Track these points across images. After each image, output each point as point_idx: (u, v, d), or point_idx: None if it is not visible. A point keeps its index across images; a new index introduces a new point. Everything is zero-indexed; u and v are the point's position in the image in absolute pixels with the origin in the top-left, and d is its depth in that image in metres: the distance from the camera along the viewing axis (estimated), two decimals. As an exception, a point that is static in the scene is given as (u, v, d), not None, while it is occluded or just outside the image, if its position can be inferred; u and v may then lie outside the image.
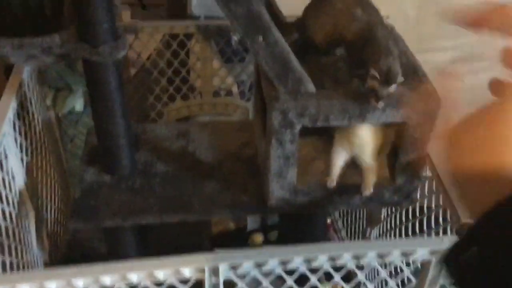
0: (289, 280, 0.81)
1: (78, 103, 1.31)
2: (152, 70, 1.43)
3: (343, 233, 1.51)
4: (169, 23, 1.34)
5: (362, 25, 0.87)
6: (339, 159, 0.95)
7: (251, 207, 1.02)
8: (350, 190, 0.99)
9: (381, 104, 0.83)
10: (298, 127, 0.88)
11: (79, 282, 0.71)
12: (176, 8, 1.71)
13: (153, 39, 1.37)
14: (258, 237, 1.46)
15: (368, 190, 0.95)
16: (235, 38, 1.41)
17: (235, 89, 1.53)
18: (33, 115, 1.16)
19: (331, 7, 0.90)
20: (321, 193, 0.99)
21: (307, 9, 0.96)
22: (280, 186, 0.97)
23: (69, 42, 0.86)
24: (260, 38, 0.81)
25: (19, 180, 1.06)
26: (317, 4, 0.94)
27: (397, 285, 0.91)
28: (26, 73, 1.11)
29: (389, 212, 1.19)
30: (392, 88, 0.83)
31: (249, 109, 1.52)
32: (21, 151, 1.08)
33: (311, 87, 0.87)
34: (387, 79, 0.82)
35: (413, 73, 0.92)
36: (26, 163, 1.10)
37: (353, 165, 1.00)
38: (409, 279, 0.90)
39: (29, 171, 1.12)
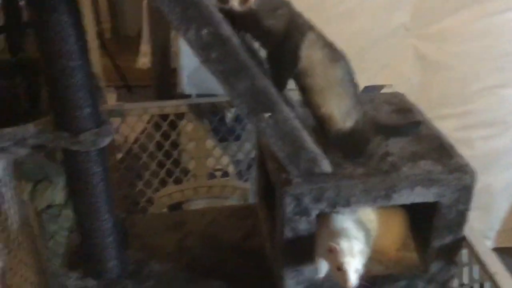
0: None
1: (58, 196, 1.18)
2: (141, 154, 1.31)
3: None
4: (159, 104, 1.25)
5: None
6: None
7: (263, 310, 0.87)
8: (378, 282, 0.85)
9: None
10: (314, 214, 0.76)
11: None
12: (164, 87, 1.63)
13: (141, 121, 1.27)
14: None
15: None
16: (229, 115, 1.32)
17: (231, 170, 1.41)
18: (7, 212, 1.03)
19: None
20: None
21: None
22: (297, 282, 0.82)
23: (45, 131, 0.75)
24: (267, 116, 0.70)
25: (-11, 292, 0.91)
26: None
27: None
28: (-1, 166, 0.99)
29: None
30: None
31: (248, 190, 1.40)
32: (-8, 258, 0.93)
33: (327, 166, 0.75)
34: None
35: (439, 146, 0.82)
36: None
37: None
38: None
39: (3, 280, 0.96)
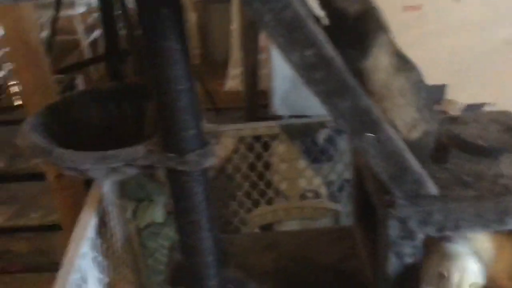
0: None
1: (159, 215, 1.23)
2: (234, 174, 1.34)
3: None
4: (252, 125, 1.27)
5: None
6: None
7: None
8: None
9: None
10: (420, 238, 0.73)
11: None
12: (254, 109, 1.66)
13: (234, 142, 1.30)
14: None
15: None
16: (322, 136, 1.31)
17: (323, 191, 1.40)
18: (112, 230, 1.08)
19: None
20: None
21: None
22: (399, 309, 0.79)
23: (154, 153, 0.79)
24: (370, 135, 0.69)
25: (98, 305, 0.96)
26: None
27: None
28: (106, 186, 1.05)
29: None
30: None
31: (339, 212, 1.37)
32: (101, 272, 0.98)
33: (433, 188, 0.72)
34: None
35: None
36: (105, 285, 1.00)
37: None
38: None
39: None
